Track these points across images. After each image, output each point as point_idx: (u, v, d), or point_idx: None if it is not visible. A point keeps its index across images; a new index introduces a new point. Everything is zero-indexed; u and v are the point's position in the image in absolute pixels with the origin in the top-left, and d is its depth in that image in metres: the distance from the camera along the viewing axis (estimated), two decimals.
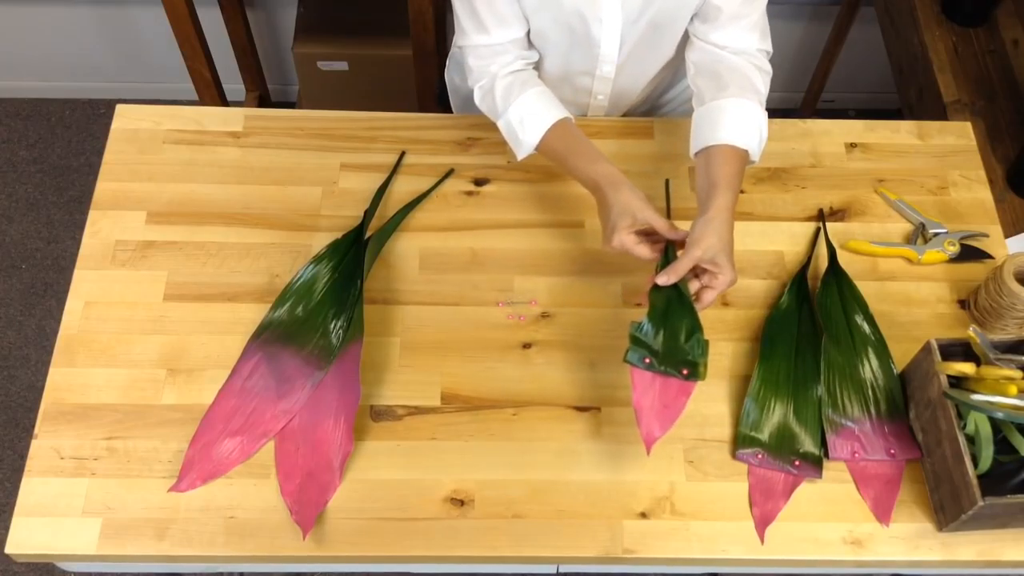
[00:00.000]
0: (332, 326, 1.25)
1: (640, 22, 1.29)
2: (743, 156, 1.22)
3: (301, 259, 1.32)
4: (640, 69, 1.40)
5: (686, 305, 1.16)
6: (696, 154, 1.24)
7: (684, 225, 1.18)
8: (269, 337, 1.24)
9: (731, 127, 1.22)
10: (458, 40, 1.33)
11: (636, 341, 1.13)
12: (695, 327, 1.14)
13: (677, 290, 1.16)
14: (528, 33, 1.32)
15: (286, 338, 1.24)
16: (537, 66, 1.37)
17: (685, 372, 1.12)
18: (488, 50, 1.30)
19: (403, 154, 1.43)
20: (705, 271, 1.16)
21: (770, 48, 1.31)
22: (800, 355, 1.25)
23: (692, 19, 1.30)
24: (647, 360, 1.13)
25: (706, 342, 1.13)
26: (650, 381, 1.12)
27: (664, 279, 1.13)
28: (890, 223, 1.40)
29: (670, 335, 1.14)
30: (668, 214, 1.32)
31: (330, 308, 1.26)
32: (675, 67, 1.45)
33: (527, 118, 1.27)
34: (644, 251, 1.17)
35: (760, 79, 1.28)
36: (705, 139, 1.23)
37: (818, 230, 1.38)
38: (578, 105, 1.46)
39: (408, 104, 2.20)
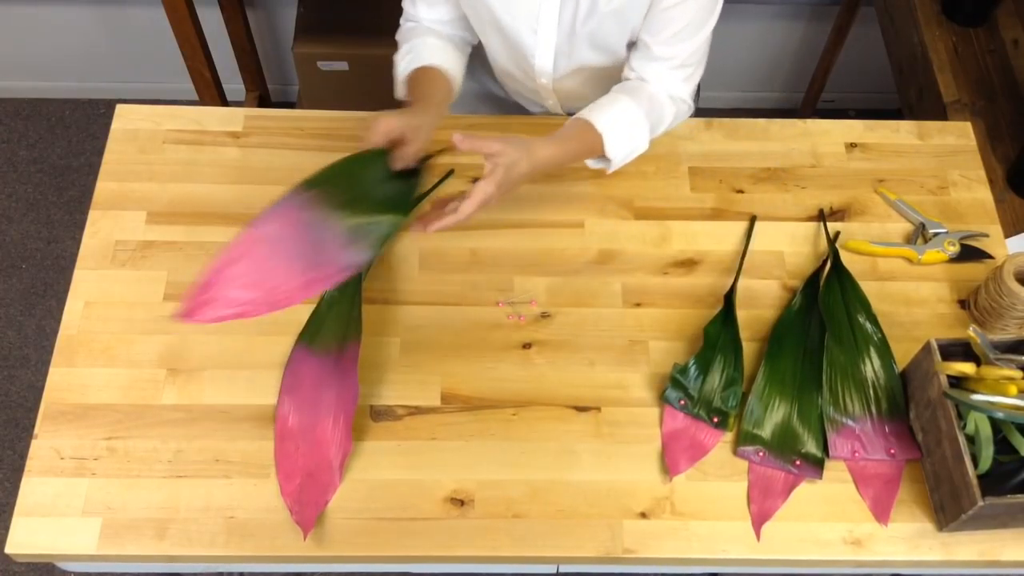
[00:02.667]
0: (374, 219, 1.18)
1: (575, 38, 1.30)
2: (594, 139, 1.25)
3: None
4: (581, 81, 1.41)
5: (736, 352, 1.24)
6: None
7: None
8: (313, 199, 1.15)
9: (604, 114, 1.26)
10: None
11: (675, 382, 1.21)
12: (736, 378, 1.22)
13: (731, 335, 1.25)
14: (463, 18, 1.37)
15: (330, 208, 1.15)
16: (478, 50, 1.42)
17: (715, 420, 1.20)
18: (419, 27, 1.36)
19: None
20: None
21: (689, 100, 1.34)
22: (808, 357, 1.25)
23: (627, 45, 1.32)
24: (682, 402, 1.21)
25: (743, 395, 1.21)
26: (681, 419, 1.21)
27: (458, 137, 1.13)
28: (890, 223, 1.40)
29: (710, 380, 1.22)
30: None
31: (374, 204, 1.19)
32: None
33: (413, 52, 1.33)
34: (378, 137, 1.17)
35: (669, 109, 1.31)
36: (577, 114, 1.27)
37: (827, 232, 1.37)
38: (537, 103, 1.49)
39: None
